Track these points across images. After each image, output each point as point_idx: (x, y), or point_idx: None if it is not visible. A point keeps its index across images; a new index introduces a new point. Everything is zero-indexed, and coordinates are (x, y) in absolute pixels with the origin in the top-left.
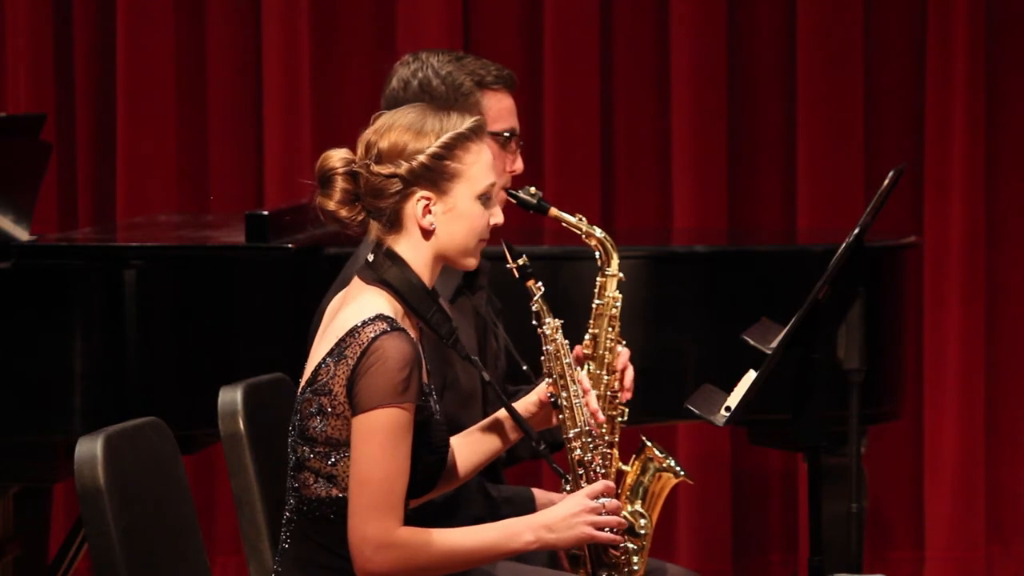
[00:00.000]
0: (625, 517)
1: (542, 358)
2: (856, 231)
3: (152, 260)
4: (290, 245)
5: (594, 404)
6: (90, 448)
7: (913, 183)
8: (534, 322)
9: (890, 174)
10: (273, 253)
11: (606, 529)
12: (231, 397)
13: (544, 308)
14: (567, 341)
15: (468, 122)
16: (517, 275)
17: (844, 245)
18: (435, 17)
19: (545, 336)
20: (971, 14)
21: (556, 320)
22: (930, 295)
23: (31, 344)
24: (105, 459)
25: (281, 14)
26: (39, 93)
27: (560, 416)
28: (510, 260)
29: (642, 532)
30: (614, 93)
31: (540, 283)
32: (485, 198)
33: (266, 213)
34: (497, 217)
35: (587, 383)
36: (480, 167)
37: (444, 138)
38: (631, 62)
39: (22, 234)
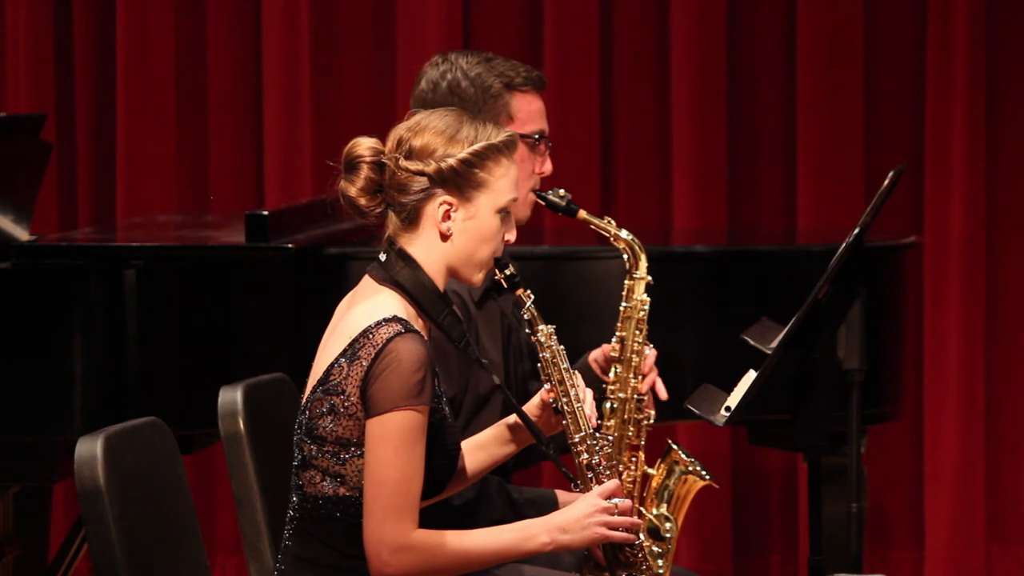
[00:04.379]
0: (650, 520)
1: (539, 365)
2: (856, 231)
3: (152, 260)
4: (290, 245)
5: (588, 411)
6: (90, 448)
7: (913, 183)
8: (527, 330)
9: (890, 174)
10: (273, 253)
11: (620, 529)
12: (231, 397)
13: (535, 316)
14: (562, 347)
15: (502, 135)
16: (506, 285)
17: (844, 245)
18: (435, 17)
19: (540, 344)
20: (971, 14)
21: (548, 326)
22: (930, 295)
23: (31, 344)
24: (105, 459)
25: (281, 14)
26: (39, 93)
27: (563, 421)
28: (497, 271)
29: (667, 535)
30: (614, 93)
31: (529, 291)
32: (504, 213)
33: (266, 213)
34: (511, 234)
35: (583, 387)
36: (506, 181)
37: (477, 146)
38: (631, 62)
39: (22, 234)
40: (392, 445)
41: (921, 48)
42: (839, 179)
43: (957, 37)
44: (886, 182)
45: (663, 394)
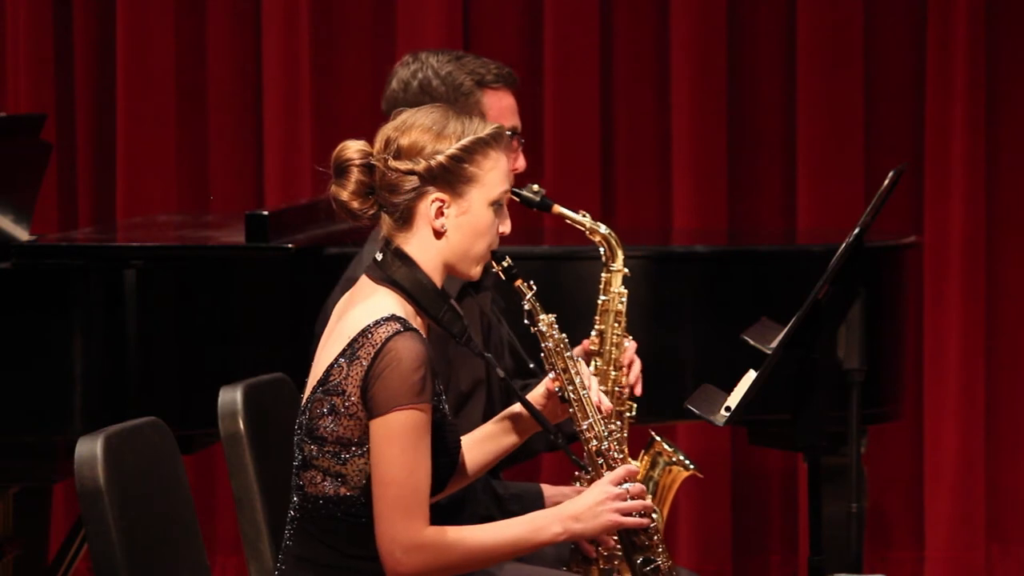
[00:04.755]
0: None
1: (542, 355)
2: (856, 231)
3: (152, 260)
4: (290, 245)
5: (595, 396)
6: (90, 448)
7: (913, 183)
8: (526, 321)
9: (890, 174)
10: (273, 253)
11: (633, 514)
12: (231, 397)
13: (536, 306)
14: (564, 335)
15: (489, 128)
16: (504, 277)
17: (844, 245)
18: (435, 17)
19: (542, 333)
20: (971, 14)
21: (549, 315)
22: (930, 295)
23: (31, 344)
24: (105, 459)
25: (281, 14)
26: (39, 93)
27: (570, 409)
28: (494, 264)
29: (653, 526)
30: (614, 93)
31: (529, 282)
32: (497, 205)
33: (266, 213)
34: (505, 226)
35: (588, 374)
36: (497, 174)
37: (465, 141)
38: (631, 62)
39: (22, 234)
40: (397, 445)
41: (921, 48)
42: (839, 179)
43: (957, 37)
44: (886, 182)
45: (638, 389)
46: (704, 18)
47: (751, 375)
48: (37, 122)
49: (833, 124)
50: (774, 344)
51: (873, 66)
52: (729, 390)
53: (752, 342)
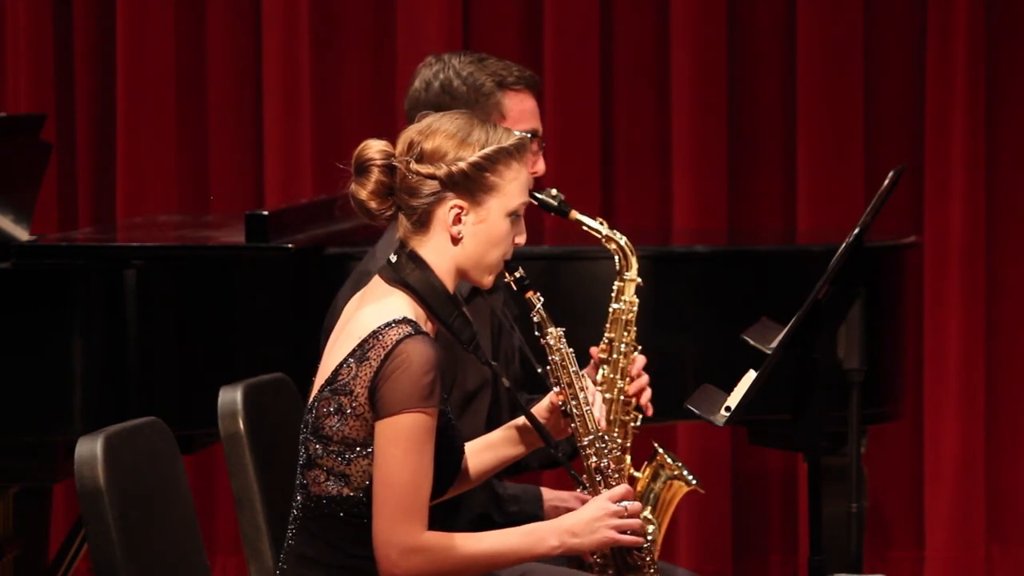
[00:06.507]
0: None
1: (548, 368)
2: (856, 231)
3: (152, 260)
4: (290, 245)
5: (597, 413)
6: (90, 448)
7: (913, 183)
8: (536, 333)
9: (890, 174)
10: (273, 253)
11: (628, 532)
12: (231, 397)
13: (545, 318)
14: (571, 349)
15: (513, 138)
16: (515, 288)
17: (844, 245)
18: (435, 17)
19: (549, 346)
20: (971, 14)
21: (558, 329)
22: (930, 295)
23: (31, 344)
24: (105, 459)
25: (281, 14)
26: (39, 93)
27: (572, 424)
28: (507, 274)
29: (650, 538)
30: (614, 93)
31: (539, 293)
32: (515, 216)
33: (266, 213)
34: (520, 237)
35: (593, 390)
36: (517, 185)
37: (488, 149)
38: (631, 62)
39: (22, 234)
40: (402, 447)
41: (921, 48)
42: (839, 179)
43: (957, 37)
44: (886, 182)
45: (649, 410)
46: (704, 18)
47: (751, 375)
48: (37, 122)
49: (833, 124)
50: (774, 344)
51: (873, 66)
52: (729, 390)
53: (752, 342)
